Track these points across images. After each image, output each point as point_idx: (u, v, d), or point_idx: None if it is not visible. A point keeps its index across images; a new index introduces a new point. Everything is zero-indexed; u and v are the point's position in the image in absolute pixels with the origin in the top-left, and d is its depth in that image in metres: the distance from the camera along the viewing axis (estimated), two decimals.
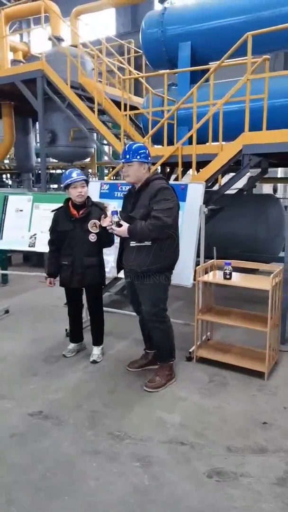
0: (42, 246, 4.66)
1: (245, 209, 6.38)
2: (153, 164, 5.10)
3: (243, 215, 6.28)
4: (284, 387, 3.45)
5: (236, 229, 6.22)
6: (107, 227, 3.28)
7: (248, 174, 6.61)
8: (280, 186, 12.74)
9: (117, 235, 3.29)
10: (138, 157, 3.17)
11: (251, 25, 5.52)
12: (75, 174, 3.62)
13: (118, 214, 3.21)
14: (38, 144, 11.05)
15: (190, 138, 4.88)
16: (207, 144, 5.14)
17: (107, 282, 4.36)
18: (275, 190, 12.61)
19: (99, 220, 3.56)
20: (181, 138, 5.14)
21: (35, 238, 4.73)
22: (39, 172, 12.18)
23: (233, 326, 4.41)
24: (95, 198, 4.51)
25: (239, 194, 6.18)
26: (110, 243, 3.68)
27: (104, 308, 4.05)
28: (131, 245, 3.20)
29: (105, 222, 3.39)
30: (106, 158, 14.80)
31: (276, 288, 3.60)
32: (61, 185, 3.74)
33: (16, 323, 5.03)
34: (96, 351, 3.93)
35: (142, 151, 3.19)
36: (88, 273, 3.69)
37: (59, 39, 7.77)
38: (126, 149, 3.22)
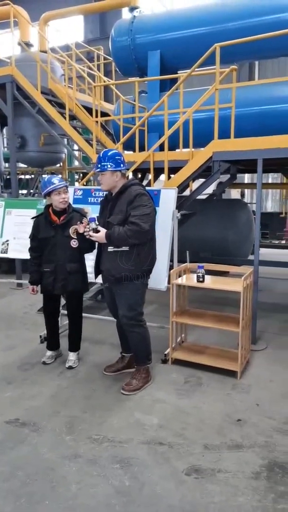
0: (15, 252, 4.62)
1: (215, 213, 6.56)
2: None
3: (213, 220, 6.45)
4: (256, 385, 3.58)
5: (207, 233, 6.39)
6: (85, 233, 3.31)
7: (218, 180, 6.82)
8: (247, 191, 13.13)
9: (94, 241, 3.32)
10: (109, 165, 3.21)
11: (218, 35, 5.73)
12: (57, 180, 3.62)
13: (96, 221, 3.25)
14: (6, 149, 10.91)
15: (161, 144, 4.99)
16: (178, 150, 5.27)
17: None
18: (242, 195, 12.98)
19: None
20: (151, 144, 5.25)
21: (7, 244, 4.67)
22: (8, 177, 12.02)
23: (206, 328, 4.52)
24: None
25: (210, 199, 6.34)
26: (91, 248, 3.69)
27: None
28: (109, 250, 3.23)
29: (81, 229, 3.43)
30: (76, 163, 14.79)
31: (247, 290, 3.74)
32: (42, 192, 3.72)
33: None
34: (72, 356, 3.93)
35: (116, 157, 3.24)
36: (71, 280, 3.68)
37: (28, 45, 7.73)
38: (100, 157, 3.26)
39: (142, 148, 5.45)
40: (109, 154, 3.25)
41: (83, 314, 4.01)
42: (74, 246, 3.64)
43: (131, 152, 5.89)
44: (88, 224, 3.27)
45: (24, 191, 13.84)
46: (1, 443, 2.77)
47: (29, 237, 3.84)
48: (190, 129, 4.74)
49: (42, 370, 3.86)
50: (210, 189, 6.60)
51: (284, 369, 3.88)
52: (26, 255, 3.95)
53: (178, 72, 6.82)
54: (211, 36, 5.79)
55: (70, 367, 3.85)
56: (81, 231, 3.42)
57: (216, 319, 3.99)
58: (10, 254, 4.66)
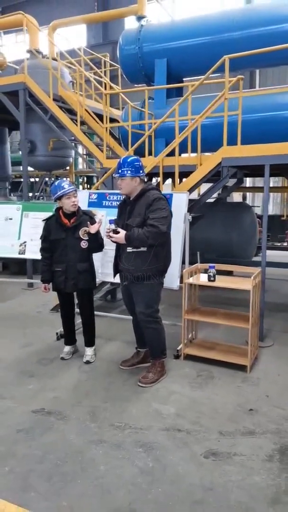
0: (32, 253, 4.82)
1: (220, 216, 6.77)
2: None
3: (218, 222, 6.67)
4: (265, 378, 3.78)
5: (212, 235, 6.60)
6: (106, 235, 3.52)
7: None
8: (248, 194, 13.38)
9: (114, 242, 3.53)
10: (129, 171, 3.43)
11: (223, 44, 5.99)
12: (67, 185, 3.83)
13: (115, 222, 3.47)
14: (14, 153, 11.13)
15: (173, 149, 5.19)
16: (184, 155, 5.48)
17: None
18: (244, 198, 13.24)
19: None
20: (158, 149, 5.46)
21: (25, 245, 4.88)
22: (14, 180, 12.23)
23: (215, 327, 4.76)
24: (84, 207, 4.73)
25: (217, 202, 6.56)
26: (100, 248, 3.94)
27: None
28: (128, 250, 3.45)
29: (93, 229, 3.68)
30: (81, 167, 15.04)
31: (256, 289, 3.95)
32: (52, 196, 3.93)
33: (4, 330, 5.13)
34: (89, 351, 4.13)
35: (136, 163, 3.46)
36: (81, 278, 3.90)
37: (38, 52, 7.96)
38: (120, 163, 3.48)
39: (149, 153, 5.66)
40: (128, 160, 3.47)
41: (97, 312, 4.21)
42: (84, 247, 3.86)
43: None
44: (108, 226, 3.49)
45: (29, 194, 14.06)
46: (31, 430, 2.97)
47: (40, 238, 4.05)
48: (198, 136, 4.95)
49: (60, 365, 4.06)
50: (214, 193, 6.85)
51: None
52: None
53: (184, 79, 7.08)
54: (216, 45, 6.04)
55: (88, 362, 4.06)
56: (92, 231, 3.65)
57: (226, 316, 4.20)
58: (27, 255, 4.87)
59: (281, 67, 12.02)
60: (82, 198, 4.86)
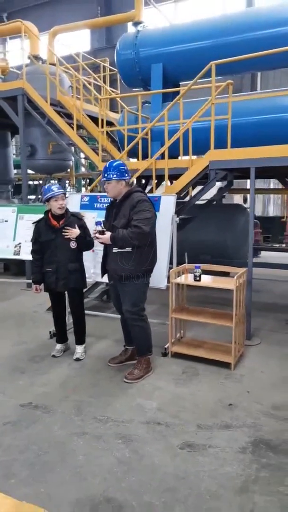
0: (26, 254, 4.97)
1: (215, 218, 6.88)
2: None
3: (213, 224, 6.78)
4: (248, 375, 3.89)
5: (207, 237, 6.71)
6: (92, 235, 3.66)
7: (219, 185, 7.16)
8: (249, 196, 13.41)
9: (100, 243, 3.67)
10: (115, 175, 3.58)
11: (219, 48, 6.09)
12: (56, 188, 3.99)
13: (102, 224, 3.61)
14: (16, 156, 11.34)
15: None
16: (178, 158, 5.61)
17: (88, 287, 4.71)
18: (245, 200, 13.30)
19: (78, 229, 3.95)
20: (154, 152, 5.59)
21: (19, 246, 5.04)
22: (17, 183, 12.44)
23: (204, 326, 4.87)
24: (76, 209, 4.89)
25: (208, 204, 6.67)
26: (88, 247, 4.09)
27: (86, 311, 4.39)
28: (113, 251, 3.59)
29: (74, 234, 3.88)
30: (83, 170, 15.23)
31: (240, 288, 4.06)
32: (42, 198, 4.08)
33: (0, 328, 5.29)
34: (79, 349, 4.27)
35: (121, 168, 3.60)
36: (72, 278, 4.04)
37: (38, 58, 8.15)
38: (105, 168, 3.62)
39: (146, 156, 5.80)
40: (114, 164, 3.61)
41: (89, 312, 4.34)
42: (73, 247, 4.00)
43: (135, 160, 6.25)
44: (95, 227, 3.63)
45: (33, 197, 14.30)
46: (17, 422, 3.11)
47: (31, 241, 4.19)
48: (190, 139, 5.07)
49: (51, 362, 4.20)
50: (211, 195, 6.95)
51: (275, 362, 4.19)
52: None
53: (180, 83, 7.20)
54: (211, 49, 6.14)
55: (78, 359, 4.19)
56: (73, 236, 3.86)
57: (212, 315, 4.31)
58: (22, 256, 5.03)
59: (283, 70, 12.15)
60: (75, 201, 5.03)
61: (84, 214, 4.32)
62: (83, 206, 4.91)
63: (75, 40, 16.24)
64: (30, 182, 14.99)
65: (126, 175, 3.62)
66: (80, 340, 4.29)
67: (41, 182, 13.77)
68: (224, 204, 8.10)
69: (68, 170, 10.75)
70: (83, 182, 14.65)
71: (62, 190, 4.00)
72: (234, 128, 4.68)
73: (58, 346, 4.39)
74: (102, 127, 6.27)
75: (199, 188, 6.05)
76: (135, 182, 6.39)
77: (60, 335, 4.42)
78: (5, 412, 3.26)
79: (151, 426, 3.06)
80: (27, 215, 5.07)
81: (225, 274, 5.23)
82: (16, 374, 3.94)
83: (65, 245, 3.99)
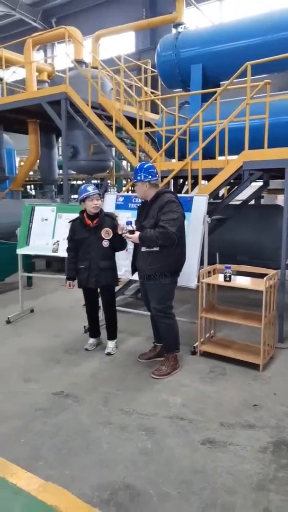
0: (64, 252, 5.19)
1: (253, 218, 6.80)
2: (165, 177, 5.64)
3: (250, 224, 6.70)
4: (277, 377, 3.86)
5: (244, 237, 6.64)
6: (122, 234, 3.81)
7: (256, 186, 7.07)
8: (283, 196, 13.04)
9: (131, 242, 3.80)
10: (139, 177, 3.71)
11: (258, 47, 6.04)
12: (91, 188, 4.16)
13: (133, 224, 3.74)
14: (60, 157, 11.76)
15: (204, 152, 5.35)
16: (212, 159, 5.61)
17: (121, 284, 4.86)
18: None
19: (112, 228, 4.09)
20: (193, 152, 5.63)
21: (58, 244, 5.29)
22: (61, 183, 12.91)
23: (235, 327, 4.86)
24: (112, 209, 5.06)
25: (244, 204, 6.61)
26: (122, 247, 4.21)
27: (119, 308, 4.56)
28: (142, 250, 3.71)
29: (119, 230, 3.94)
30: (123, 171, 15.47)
31: (270, 290, 4.03)
32: (78, 199, 4.27)
33: (40, 321, 5.59)
34: (110, 344, 4.43)
35: (149, 170, 3.72)
36: (103, 275, 4.20)
37: (81, 62, 8.43)
38: (135, 170, 3.77)
39: (184, 157, 5.85)
40: (144, 166, 3.73)
41: (122, 309, 4.49)
42: (105, 246, 4.14)
43: (174, 161, 6.33)
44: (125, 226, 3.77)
45: (76, 196, 14.75)
46: (48, 409, 3.32)
47: (67, 239, 4.39)
48: (226, 139, 5.07)
49: (84, 355, 4.40)
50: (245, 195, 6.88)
51: None
52: None
53: (220, 83, 7.18)
54: (251, 48, 6.10)
55: (109, 354, 4.35)
56: (119, 232, 3.92)
57: (243, 316, 4.31)
58: (60, 253, 5.26)
59: None
60: (111, 201, 5.20)
61: (118, 214, 4.46)
62: (118, 206, 5.07)
63: (121, 41, 16.56)
64: (74, 182, 15.48)
65: (151, 177, 3.71)
66: (111, 335, 4.45)
67: (84, 182, 14.18)
68: (262, 205, 7.97)
69: (108, 170, 10.98)
70: (124, 182, 14.89)
71: (98, 190, 4.16)
72: (271, 128, 4.64)
73: (91, 340, 4.57)
74: (141, 128, 6.40)
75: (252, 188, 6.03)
76: (171, 182, 6.48)
77: (93, 330, 4.60)
78: (38, 399, 3.47)
79: (174, 421, 3.14)
80: (65, 214, 5.29)
81: (263, 275, 5.17)
82: (51, 364, 4.17)
83: (97, 243, 4.16)
